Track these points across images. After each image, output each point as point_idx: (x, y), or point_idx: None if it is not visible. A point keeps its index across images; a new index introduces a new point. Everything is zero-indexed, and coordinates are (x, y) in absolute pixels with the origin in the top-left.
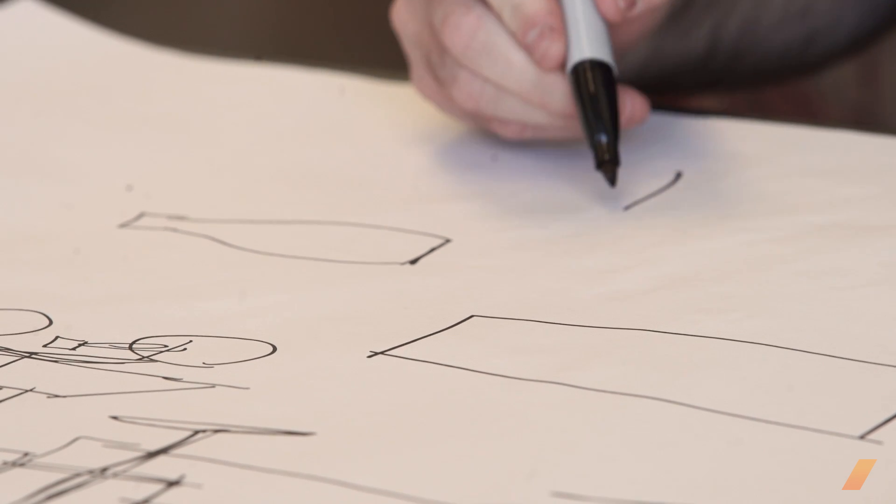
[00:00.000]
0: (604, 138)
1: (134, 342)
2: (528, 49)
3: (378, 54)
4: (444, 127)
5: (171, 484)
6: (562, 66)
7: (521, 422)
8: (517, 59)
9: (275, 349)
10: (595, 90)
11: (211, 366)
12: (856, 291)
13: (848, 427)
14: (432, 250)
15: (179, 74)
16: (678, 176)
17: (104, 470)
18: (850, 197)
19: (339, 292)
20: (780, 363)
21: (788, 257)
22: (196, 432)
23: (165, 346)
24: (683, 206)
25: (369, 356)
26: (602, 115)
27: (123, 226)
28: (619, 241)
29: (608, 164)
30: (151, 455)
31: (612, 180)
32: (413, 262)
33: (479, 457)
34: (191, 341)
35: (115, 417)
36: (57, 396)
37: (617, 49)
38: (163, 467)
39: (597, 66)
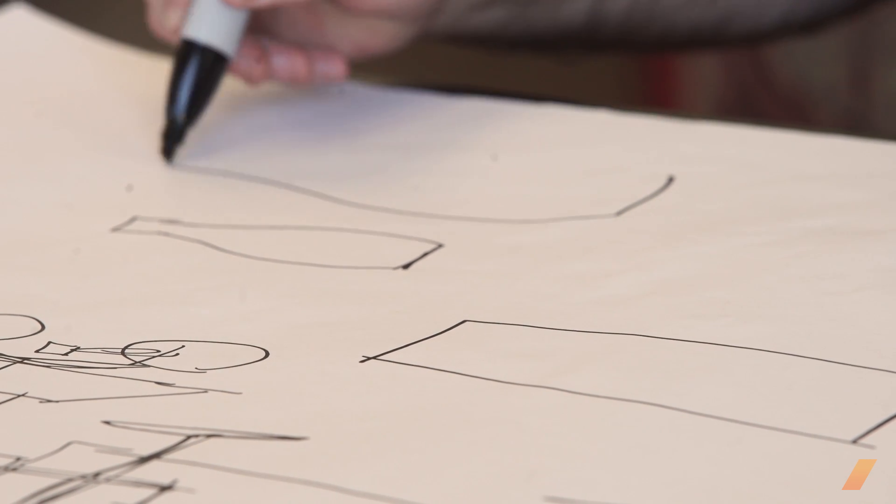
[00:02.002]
0: (179, 113)
1: (126, 347)
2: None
3: (374, 59)
4: (440, 131)
5: (164, 489)
6: (177, 34)
7: (513, 427)
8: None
9: (267, 354)
10: (181, 68)
11: (203, 371)
12: (849, 296)
13: (841, 431)
14: (425, 255)
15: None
16: (670, 181)
17: (97, 475)
18: (843, 202)
19: (332, 297)
20: (772, 368)
21: (781, 262)
22: (188, 437)
23: (158, 351)
24: (676, 211)
25: (362, 361)
26: (183, 92)
27: (116, 230)
28: (612, 245)
29: (170, 140)
30: (144, 460)
31: (168, 156)
32: (405, 267)
33: (472, 461)
34: (183, 346)
35: (107, 422)
36: (49, 401)
37: (378, 8)
38: (155, 472)
39: (191, 47)
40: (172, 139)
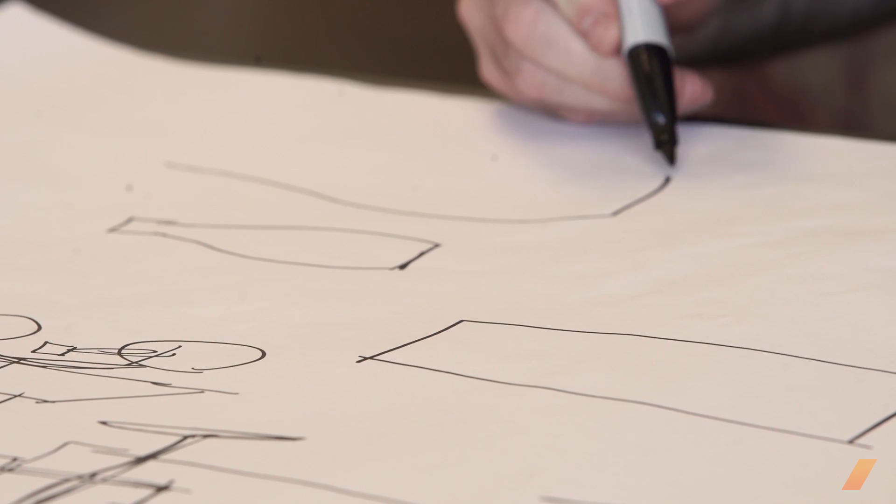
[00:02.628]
0: (661, 119)
1: (123, 347)
2: (585, 35)
3: (372, 60)
4: (439, 131)
5: (161, 489)
6: (618, 51)
7: (510, 426)
8: (576, 47)
9: (264, 354)
10: (650, 72)
11: (200, 371)
12: (844, 296)
13: (837, 431)
14: (421, 255)
15: (169, 80)
16: (667, 181)
17: (93, 475)
18: (839, 202)
19: (329, 297)
20: (768, 368)
21: (777, 262)
22: (185, 437)
23: (154, 351)
24: (672, 211)
25: (358, 361)
26: (658, 95)
27: (113, 230)
28: (608, 245)
29: (666, 144)
30: (140, 460)
31: (670, 159)
32: (402, 267)
33: (468, 461)
34: (180, 346)
35: (104, 423)
36: (46, 402)
37: (683, 26)
38: (152, 472)
39: (651, 48)
40: (672, 142)
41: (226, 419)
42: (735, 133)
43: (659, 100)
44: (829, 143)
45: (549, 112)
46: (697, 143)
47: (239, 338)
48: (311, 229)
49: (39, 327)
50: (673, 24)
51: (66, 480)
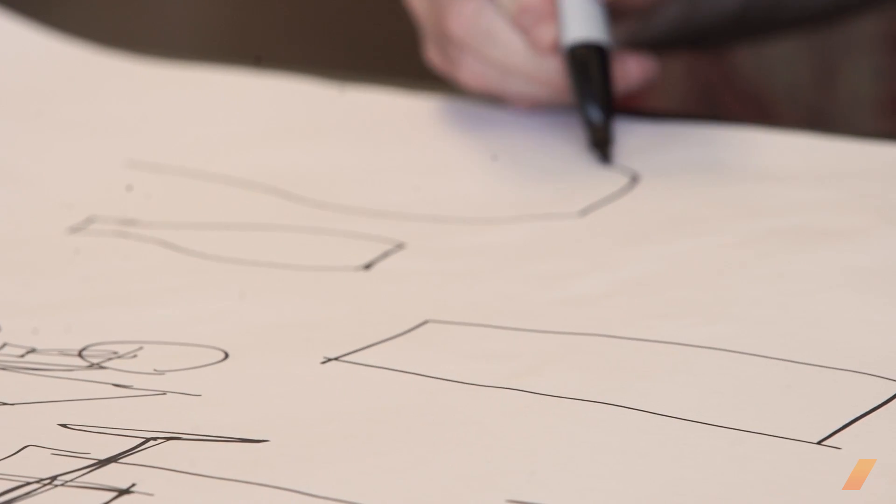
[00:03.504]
0: (596, 118)
1: (83, 349)
2: (525, 32)
3: (336, 57)
4: (405, 130)
5: (122, 493)
6: (556, 48)
7: (476, 427)
8: (517, 40)
9: (227, 355)
10: (585, 71)
11: (162, 372)
12: (814, 296)
13: (806, 432)
14: (386, 255)
15: (129, 78)
16: (634, 180)
17: (53, 478)
18: (808, 201)
19: (292, 298)
20: (736, 368)
21: (746, 262)
22: (147, 440)
23: (115, 352)
24: (640, 211)
25: (323, 362)
26: (593, 94)
27: (73, 231)
28: (575, 245)
29: (602, 143)
30: (102, 463)
31: (606, 158)
32: (367, 267)
33: (434, 463)
34: (141, 348)
35: (64, 425)
36: (5, 404)
37: (636, 9)
38: (113, 476)
39: (588, 47)
40: (606, 141)
41: (188, 421)
42: (703, 131)
43: (594, 99)
44: (798, 141)
45: (493, 98)
46: (664, 141)
47: (201, 339)
48: (275, 229)
49: None
50: (626, 7)
51: (26, 484)
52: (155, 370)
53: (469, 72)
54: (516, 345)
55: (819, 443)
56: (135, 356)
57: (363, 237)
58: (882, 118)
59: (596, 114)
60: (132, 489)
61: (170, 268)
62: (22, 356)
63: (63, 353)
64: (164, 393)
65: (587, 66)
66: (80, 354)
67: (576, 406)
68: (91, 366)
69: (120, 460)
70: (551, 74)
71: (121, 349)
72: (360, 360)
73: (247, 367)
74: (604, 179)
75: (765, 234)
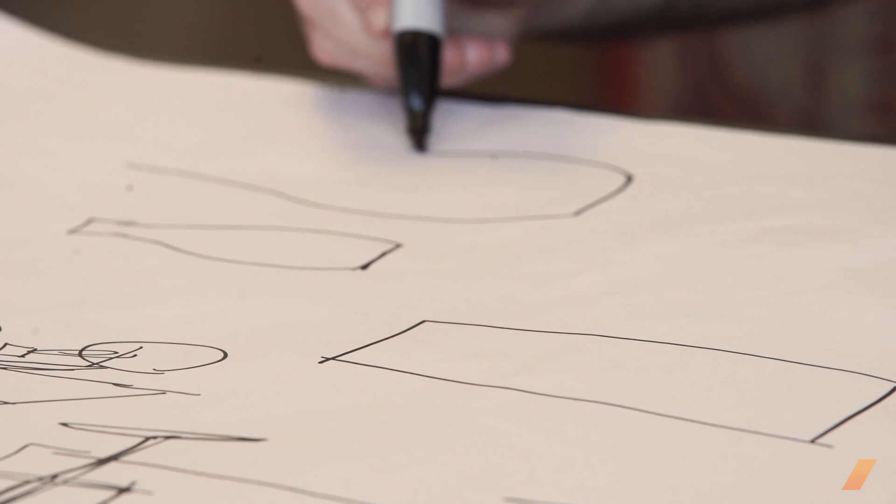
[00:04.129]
0: (416, 105)
1: (84, 349)
2: (360, 14)
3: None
4: (400, 131)
5: (122, 491)
6: (387, 31)
7: (472, 426)
8: (357, 21)
9: (226, 355)
10: (409, 58)
11: (161, 372)
12: (806, 296)
13: (799, 431)
14: (383, 255)
15: (129, 80)
16: (628, 180)
17: (54, 477)
18: (800, 201)
19: (290, 298)
20: (730, 368)
21: (739, 262)
22: (147, 439)
23: (115, 352)
24: (634, 211)
25: (321, 362)
26: (415, 82)
27: (73, 232)
28: (570, 245)
29: (418, 131)
30: (102, 462)
31: (420, 146)
32: (364, 267)
33: (431, 462)
34: (141, 347)
35: (65, 424)
36: (6, 403)
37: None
38: (113, 474)
39: (415, 34)
40: (421, 130)
41: (187, 420)
42: (697, 132)
43: (416, 86)
44: (790, 142)
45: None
46: (658, 143)
47: (200, 338)
48: (274, 230)
49: (0, 328)
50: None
51: (27, 482)
52: (154, 370)
53: (319, 49)
54: (512, 344)
55: (812, 441)
56: (134, 356)
57: (361, 237)
58: (872, 120)
59: (416, 101)
60: (132, 487)
61: (169, 268)
62: (23, 356)
63: (63, 352)
64: (164, 392)
65: (412, 53)
66: (80, 354)
67: (571, 405)
68: (91, 365)
69: (120, 459)
70: (388, 56)
71: (121, 349)
72: (358, 359)
73: (245, 366)
74: (599, 180)
75: (757, 234)
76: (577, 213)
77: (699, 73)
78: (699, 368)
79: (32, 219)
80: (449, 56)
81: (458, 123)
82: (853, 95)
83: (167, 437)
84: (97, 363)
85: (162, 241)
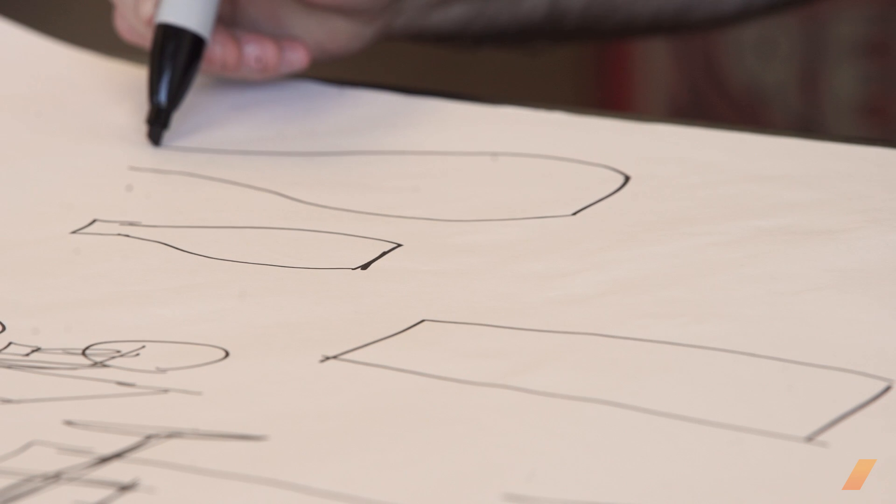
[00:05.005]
0: (160, 99)
1: (87, 348)
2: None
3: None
4: (405, 129)
5: (125, 488)
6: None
7: (472, 425)
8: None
9: (227, 354)
10: (161, 52)
11: (164, 371)
12: (802, 296)
13: (794, 429)
14: (383, 255)
15: (129, 83)
16: (626, 181)
17: (58, 475)
18: (796, 202)
19: (291, 297)
20: (726, 367)
21: (735, 262)
22: (149, 437)
23: (118, 351)
24: (631, 211)
25: (321, 361)
26: (164, 77)
27: (76, 232)
28: (568, 245)
29: (156, 125)
30: (105, 460)
31: (155, 141)
32: (364, 267)
33: (431, 460)
34: (144, 346)
35: (68, 422)
36: (10, 402)
37: (349, 8)
38: (116, 472)
39: (173, 29)
40: (158, 124)
41: (190, 418)
42: (694, 133)
43: (163, 80)
44: (786, 143)
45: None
46: (655, 144)
47: (202, 338)
48: (274, 230)
49: (3, 328)
50: (323, 3)
51: (31, 480)
52: (157, 368)
53: (121, 27)
54: (511, 343)
55: (807, 439)
56: (137, 355)
57: (361, 237)
58: (866, 122)
59: (161, 95)
60: (135, 485)
61: (171, 268)
62: (26, 355)
63: (67, 351)
64: (166, 391)
65: (167, 47)
66: (83, 353)
67: (569, 404)
68: (94, 364)
69: (123, 457)
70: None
71: (124, 348)
72: (359, 358)
73: (247, 365)
74: (597, 180)
75: (753, 234)
76: (576, 213)
77: (695, 75)
78: (696, 367)
79: (35, 220)
80: (223, 52)
81: (457, 124)
82: (847, 98)
83: (169, 436)
84: (100, 362)
85: (164, 242)
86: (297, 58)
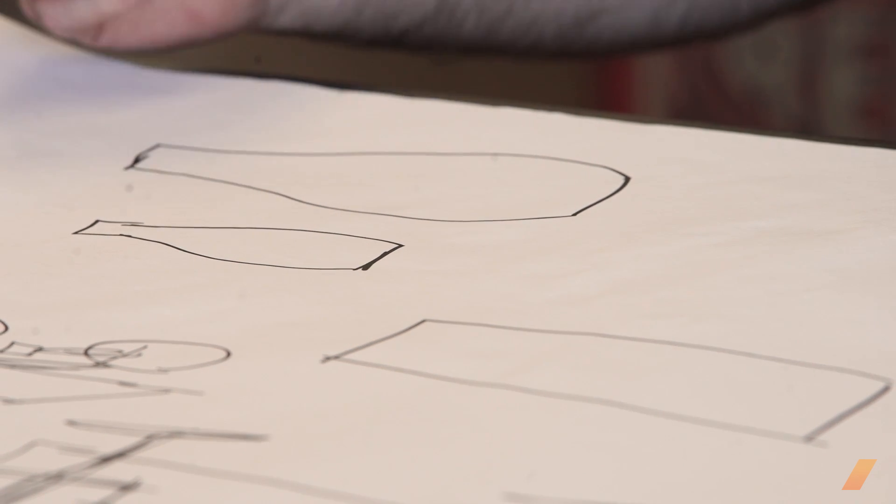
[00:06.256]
0: None
1: (89, 348)
2: None
3: (335, 59)
4: (406, 130)
5: (126, 488)
6: None
7: (472, 425)
8: None
9: (229, 354)
10: None
11: (166, 371)
12: (801, 296)
13: (793, 429)
14: (384, 255)
15: (130, 83)
16: (626, 182)
17: (60, 474)
18: (795, 203)
19: (292, 298)
20: (725, 367)
21: (735, 262)
22: (151, 437)
23: (120, 351)
24: (631, 212)
25: (323, 361)
26: None
27: (78, 233)
28: (569, 246)
29: None
30: (106, 459)
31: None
32: (365, 267)
33: (431, 460)
34: (146, 347)
35: (70, 422)
36: (12, 402)
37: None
38: (118, 472)
39: None
40: None
41: (191, 418)
42: (693, 135)
43: None
44: (784, 144)
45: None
46: (655, 145)
47: (204, 338)
48: (275, 230)
49: (6, 328)
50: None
51: (33, 480)
52: (159, 368)
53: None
54: (512, 344)
55: (806, 440)
56: (139, 355)
57: (362, 238)
58: (865, 123)
59: None
60: (137, 485)
61: (173, 268)
62: (29, 355)
63: (69, 351)
64: (168, 391)
65: None
66: (85, 353)
67: (569, 404)
68: (97, 364)
69: (125, 457)
70: None
71: (126, 348)
72: (359, 358)
73: (248, 365)
74: (597, 181)
75: (753, 234)
76: (576, 213)
77: (695, 76)
78: (696, 367)
79: (36, 220)
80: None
81: (457, 125)
82: (846, 99)
83: (171, 435)
84: (103, 362)
85: (166, 242)
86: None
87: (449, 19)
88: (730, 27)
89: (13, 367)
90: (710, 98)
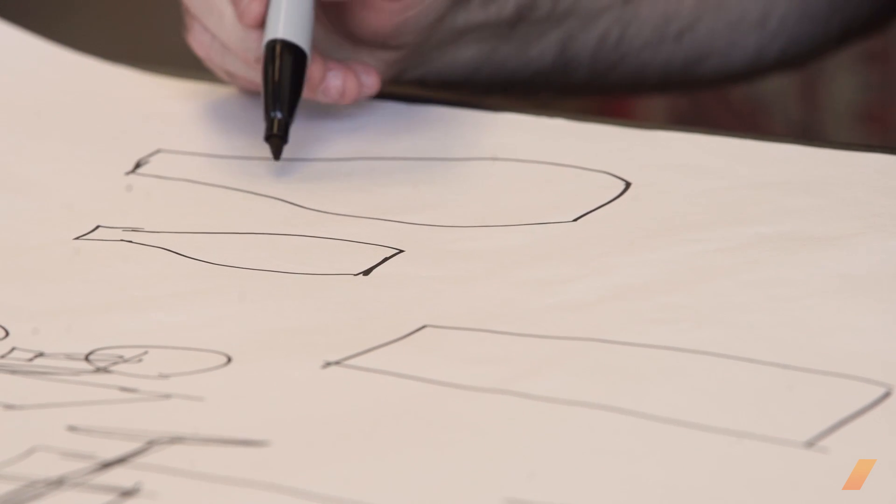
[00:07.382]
0: (278, 115)
1: (90, 353)
2: (234, 4)
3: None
4: (406, 135)
5: (127, 493)
6: (259, 21)
7: (473, 430)
8: (229, 12)
9: (230, 360)
10: (276, 69)
11: (166, 376)
12: (801, 301)
13: (794, 435)
14: (385, 261)
15: (131, 89)
16: (627, 187)
17: (61, 480)
18: (796, 208)
19: (293, 303)
20: (727, 372)
21: (735, 268)
22: (151, 442)
23: (121, 357)
24: (632, 217)
25: (323, 366)
26: (279, 93)
27: (79, 238)
28: (569, 251)
29: (276, 139)
30: (107, 465)
31: (276, 155)
32: (366, 273)
33: (432, 465)
34: (146, 352)
35: (71, 428)
36: (13, 407)
37: (376, 33)
38: (119, 477)
39: (285, 44)
40: (282, 139)
41: (192, 424)
42: (694, 140)
43: (278, 96)
44: (787, 150)
45: (225, 78)
46: (656, 150)
47: (205, 343)
48: (276, 235)
49: (7, 333)
50: (361, 35)
51: (34, 485)
52: (159, 374)
53: (195, 40)
54: (512, 349)
55: (807, 445)
56: (140, 360)
57: (363, 243)
58: (866, 130)
59: (277, 111)
60: (137, 490)
61: (174, 273)
62: (30, 360)
63: (70, 357)
64: (169, 396)
65: (278, 62)
66: (86, 359)
67: (570, 409)
68: (97, 370)
69: (125, 462)
70: (256, 57)
71: (126, 354)
72: (360, 364)
73: (249, 371)
74: (598, 187)
75: (754, 240)
76: (577, 219)
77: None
78: (697, 373)
79: (38, 225)
80: (313, 71)
81: (458, 130)
82: (847, 105)
83: (171, 441)
84: (103, 368)
85: (166, 247)
86: (371, 82)
87: (562, 73)
88: (821, 52)
89: (14, 372)
90: (711, 103)
